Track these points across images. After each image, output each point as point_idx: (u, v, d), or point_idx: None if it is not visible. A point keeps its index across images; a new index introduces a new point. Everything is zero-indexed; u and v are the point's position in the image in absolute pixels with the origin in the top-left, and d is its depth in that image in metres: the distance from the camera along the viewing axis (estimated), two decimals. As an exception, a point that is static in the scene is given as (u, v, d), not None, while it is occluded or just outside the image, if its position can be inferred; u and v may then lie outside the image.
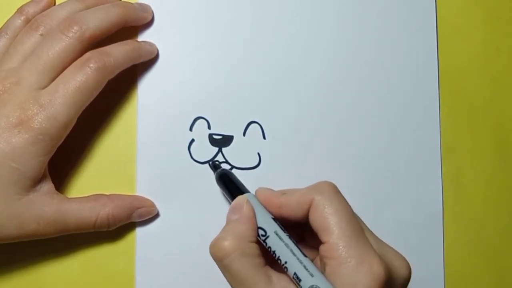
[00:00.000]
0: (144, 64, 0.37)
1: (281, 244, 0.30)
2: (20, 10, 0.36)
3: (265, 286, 0.28)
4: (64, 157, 0.36)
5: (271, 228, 0.30)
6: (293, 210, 0.31)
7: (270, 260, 0.30)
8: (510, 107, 0.40)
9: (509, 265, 0.39)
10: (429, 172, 0.39)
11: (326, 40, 0.39)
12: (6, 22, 0.36)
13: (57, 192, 0.34)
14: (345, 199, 0.31)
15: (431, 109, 0.39)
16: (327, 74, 0.39)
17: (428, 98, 0.39)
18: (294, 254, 0.29)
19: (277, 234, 0.30)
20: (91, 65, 0.33)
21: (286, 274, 0.30)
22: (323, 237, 0.29)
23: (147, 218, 0.37)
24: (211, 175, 0.37)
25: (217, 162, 0.37)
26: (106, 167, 0.37)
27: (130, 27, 0.37)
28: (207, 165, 0.37)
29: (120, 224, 0.35)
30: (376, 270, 0.28)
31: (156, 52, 0.38)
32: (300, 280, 0.28)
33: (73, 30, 0.33)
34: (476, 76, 0.40)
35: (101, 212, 0.34)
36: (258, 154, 0.38)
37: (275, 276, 0.29)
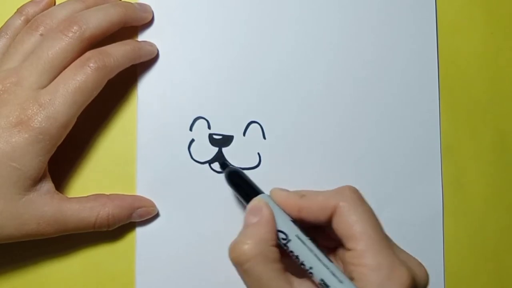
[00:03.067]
0: (144, 64, 0.37)
1: (304, 249, 0.29)
2: (20, 10, 0.36)
3: None
4: (64, 157, 0.36)
5: (292, 231, 0.29)
6: (314, 214, 0.30)
7: (287, 263, 0.29)
8: (510, 107, 0.40)
9: (509, 265, 0.39)
10: (429, 172, 0.39)
11: (326, 39, 0.39)
12: (6, 22, 0.36)
13: (57, 191, 0.34)
14: (369, 206, 0.30)
15: (431, 109, 0.39)
16: (327, 73, 0.39)
17: (428, 98, 0.39)
18: (319, 259, 0.28)
19: (299, 238, 0.29)
20: (91, 64, 0.33)
21: (308, 279, 0.29)
22: (349, 244, 0.29)
23: (147, 218, 0.36)
24: (211, 175, 0.37)
25: (224, 161, 0.37)
26: (106, 167, 0.37)
27: (130, 27, 0.37)
28: (207, 165, 0.37)
29: (120, 224, 0.35)
30: (406, 279, 0.28)
31: (156, 52, 0.38)
32: (328, 287, 0.28)
33: (73, 30, 0.33)
34: (476, 76, 0.40)
35: (101, 212, 0.34)
36: (258, 154, 0.38)
37: (296, 281, 0.29)
